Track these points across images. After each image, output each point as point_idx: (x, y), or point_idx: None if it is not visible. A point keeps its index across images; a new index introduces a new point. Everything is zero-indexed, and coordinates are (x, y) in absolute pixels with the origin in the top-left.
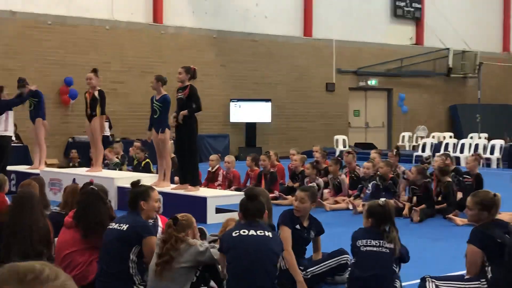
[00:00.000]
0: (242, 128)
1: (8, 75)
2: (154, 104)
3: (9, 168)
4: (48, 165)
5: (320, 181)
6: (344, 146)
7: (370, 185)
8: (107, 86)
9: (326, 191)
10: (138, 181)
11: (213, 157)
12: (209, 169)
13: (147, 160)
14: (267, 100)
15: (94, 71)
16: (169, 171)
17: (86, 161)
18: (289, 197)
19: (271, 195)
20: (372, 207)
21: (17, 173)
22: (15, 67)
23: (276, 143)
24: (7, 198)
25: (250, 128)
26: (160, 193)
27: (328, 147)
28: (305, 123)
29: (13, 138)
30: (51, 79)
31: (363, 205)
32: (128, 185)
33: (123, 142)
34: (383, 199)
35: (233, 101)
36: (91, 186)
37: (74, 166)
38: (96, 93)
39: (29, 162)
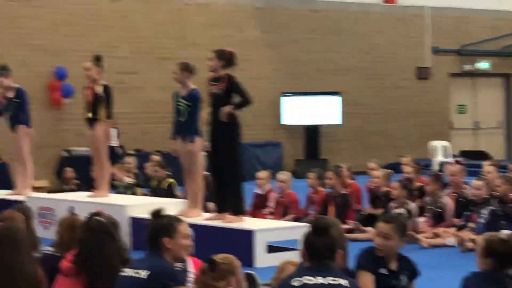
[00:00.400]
0: (300, 133)
1: None
2: (178, 103)
3: None
4: (35, 189)
5: (413, 206)
6: (446, 156)
7: (484, 211)
8: (113, 78)
9: (421, 219)
10: (161, 209)
11: (262, 174)
12: (257, 190)
13: (171, 180)
14: (334, 94)
15: (97, 59)
16: (201, 195)
17: (87, 183)
18: (369, 228)
19: (343, 226)
20: (490, 243)
21: None
22: None
23: (349, 154)
24: None
25: (312, 133)
26: (190, 225)
27: (422, 158)
28: (389, 125)
29: None
30: (36, 70)
31: (476, 239)
32: (145, 215)
33: (137, 156)
34: (506, 232)
35: (286, 96)
36: (97, 218)
37: (70, 190)
38: (100, 89)
39: (9, 185)
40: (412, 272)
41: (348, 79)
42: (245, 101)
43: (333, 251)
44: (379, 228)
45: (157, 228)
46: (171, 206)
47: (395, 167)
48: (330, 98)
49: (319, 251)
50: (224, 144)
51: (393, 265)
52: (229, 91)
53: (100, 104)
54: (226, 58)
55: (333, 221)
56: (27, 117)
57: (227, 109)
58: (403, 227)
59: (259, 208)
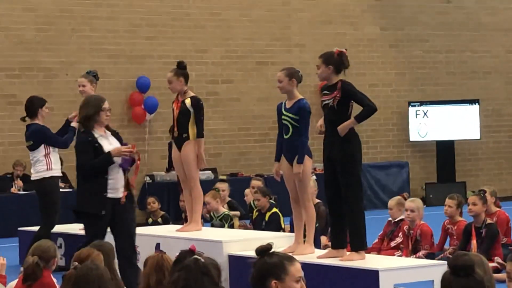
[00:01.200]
0: (430, 151)
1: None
2: (283, 117)
3: (54, 228)
4: None
5: None
6: None
7: None
8: (204, 89)
9: None
10: (269, 246)
11: (394, 202)
12: (390, 219)
13: (275, 209)
14: (472, 102)
15: (180, 67)
16: (312, 227)
17: (175, 214)
18: None
19: (490, 264)
20: None
21: (66, 237)
22: (45, 60)
23: (491, 175)
24: (54, 279)
25: (445, 151)
26: (301, 264)
27: None
28: None
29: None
30: (113, 80)
31: None
32: (247, 253)
33: (231, 181)
34: None
35: (413, 106)
36: (195, 257)
37: (155, 223)
38: (188, 102)
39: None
40: None
41: (488, 84)
42: (368, 110)
43: None
44: (508, 269)
45: (264, 269)
46: (276, 241)
47: None
48: (466, 108)
49: None
50: (342, 166)
51: None
52: (344, 101)
53: (188, 119)
54: (334, 61)
55: (477, 258)
56: None
57: (346, 125)
58: None
59: (388, 240)
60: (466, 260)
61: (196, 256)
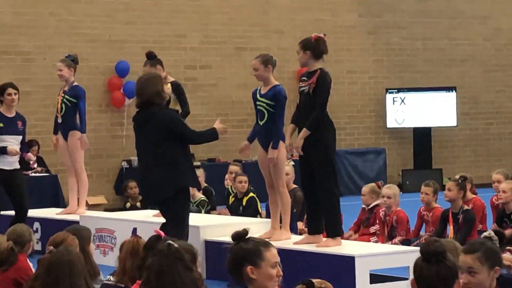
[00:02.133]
0: (407, 138)
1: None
2: (258, 102)
3: (31, 213)
4: (91, 207)
5: None
6: None
7: None
8: (182, 74)
9: None
10: (245, 232)
11: (368, 188)
12: (363, 206)
13: (252, 194)
14: (449, 89)
15: (149, 57)
16: (288, 213)
17: None
18: None
19: None
20: None
21: (42, 222)
22: (22, 44)
23: (468, 162)
24: (30, 264)
25: (422, 137)
26: (278, 250)
27: None
28: None
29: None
30: (92, 65)
31: None
32: (223, 238)
33: (209, 166)
34: None
35: (391, 93)
36: (168, 241)
37: (134, 208)
38: (168, 88)
39: (60, 202)
40: None
41: (466, 72)
42: (316, 117)
43: (448, 281)
44: (460, 262)
45: (240, 255)
46: (252, 227)
47: None
48: (443, 95)
49: (430, 282)
50: (316, 153)
51: None
52: (317, 90)
53: (168, 105)
54: (312, 46)
55: (451, 245)
56: (83, 121)
57: (301, 136)
58: (493, 256)
59: (364, 227)
60: (437, 246)
61: (169, 241)
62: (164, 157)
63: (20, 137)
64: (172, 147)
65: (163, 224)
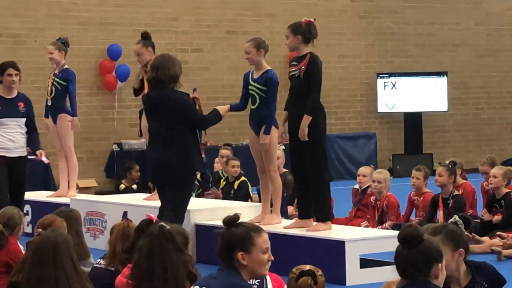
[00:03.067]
0: (398, 123)
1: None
2: (251, 87)
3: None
4: (81, 190)
5: None
6: None
7: None
8: None
9: None
10: (236, 217)
11: (364, 170)
12: (356, 187)
13: (243, 178)
14: (439, 74)
15: (144, 37)
16: (278, 197)
17: (143, 182)
18: (485, 238)
19: None
20: None
21: (33, 205)
22: (13, 26)
23: (458, 147)
24: (21, 246)
25: (413, 122)
26: (268, 234)
27: None
28: (508, 112)
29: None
30: (83, 48)
31: None
32: (214, 222)
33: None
34: None
35: (382, 77)
36: (161, 223)
37: (127, 190)
38: None
39: (50, 185)
40: (494, 282)
41: (457, 57)
42: (313, 101)
43: (428, 266)
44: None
45: (231, 240)
46: (243, 211)
47: None
48: (434, 80)
49: (410, 267)
50: (308, 138)
51: (461, 283)
52: (309, 75)
53: None
54: (302, 31)
55: (433, 229)
56: (73, 103)
57: (303, 123)
58: (455, 237)
59: (359, 210)
60: (412, 231)
61: (161, 223)
62: (175, 140)
63: (23, 120)
64: (183, 131)
65: (161, 208)
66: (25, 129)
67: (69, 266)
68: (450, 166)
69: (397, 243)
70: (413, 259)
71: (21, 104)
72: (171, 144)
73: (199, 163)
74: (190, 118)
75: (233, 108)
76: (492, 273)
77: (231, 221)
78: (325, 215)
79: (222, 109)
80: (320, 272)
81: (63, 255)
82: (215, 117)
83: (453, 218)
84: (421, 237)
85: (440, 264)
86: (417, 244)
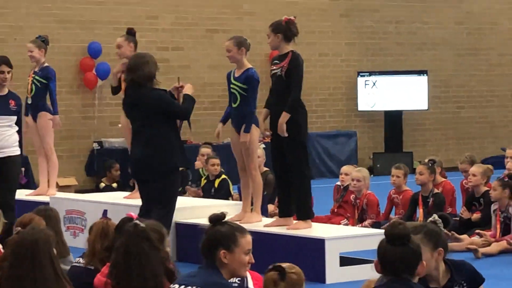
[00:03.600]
0: (378, 122)
1: None
2: (232, 85)
3: None
4: (61, 188)
5: None
6: None
7: None
8: (154, 56)
9: None
10: (222, 215)
11: (346, 169)
12: (338, 184)
13: (224, 176)
14: (421, 73)
15: (129, 33)
16: (259, 196)
17: (123, 181)
18: (464, 236)
19: None
20: None
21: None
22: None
23: (438, 146)
24: (0, 246)
25: (393, 121)
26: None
27: None
28: (487, 110)
29: None
30: (63, 46)
31: None
32: (194, 221)
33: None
34: None
35: (363, 76)
36: (135, 222)
37: (107, 188)
38: None
39: (30, 184)
40: (472, 281)
41: (437, 55)
42: (294, 100)
43: (412, 263)
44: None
45: (215, 238)
46: (224, 209)
47: (497, 162)
48: (415, 79)
49: (394, 264)
50: (287, 135)
51: (440, 282)
52: (290, 74)
53: None
54: (283, 29)
55: (414, 227)
56: (54, 101)
57: (282, 120)
58: (434, 236)
59: (340, 207)
60: (402, 229)
61: (135, 221)
62: (157, 137)
63: (14, 118)
64: (164, 127)
65: (143, 206)
66: (16, 128)
67: (48, 266)
68: (429, 165)
69: (377, 241)
70: (403, 257)
71: (12, 102)
72: (153, 141)
73: (181, 159)
74: (170, 112)
75: (226, 118)
76: (471, 272)
77: (217, 218)
78: (305, 213)
79: (189, 89)
80: (294, 270)
81: (42, 254)
82: (191, 102)
83: (432, 217)
84: (410, 235)
85: (422, 262)
86: (407, 242)
